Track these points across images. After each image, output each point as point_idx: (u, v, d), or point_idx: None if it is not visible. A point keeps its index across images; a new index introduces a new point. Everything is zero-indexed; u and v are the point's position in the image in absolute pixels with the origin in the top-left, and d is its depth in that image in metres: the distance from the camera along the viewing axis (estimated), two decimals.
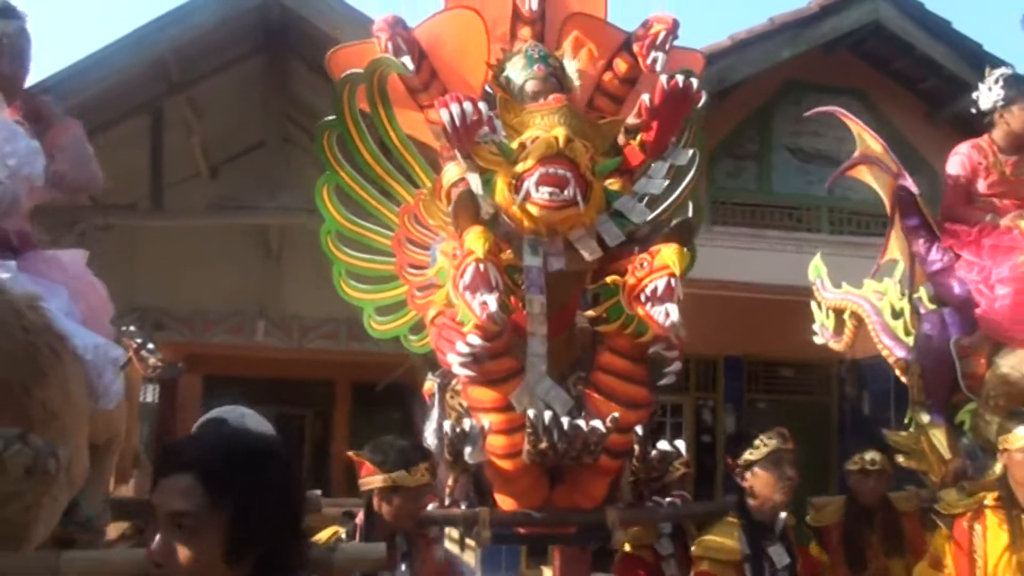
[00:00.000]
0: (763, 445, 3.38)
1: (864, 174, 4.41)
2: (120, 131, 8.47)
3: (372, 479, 3.20)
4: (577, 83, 3.55)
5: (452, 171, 3.31)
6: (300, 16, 7.95)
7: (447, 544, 8.34)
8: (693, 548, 3.39)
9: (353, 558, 2.22)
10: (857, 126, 4.37)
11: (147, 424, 10.34)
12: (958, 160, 4.30)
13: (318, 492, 3.26)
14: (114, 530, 5.36)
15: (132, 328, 9.68)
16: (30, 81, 3.32)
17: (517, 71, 3.46)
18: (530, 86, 3.40)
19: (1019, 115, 4.24)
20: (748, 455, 3.40)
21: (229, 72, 9.06)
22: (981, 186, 4.24)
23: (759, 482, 3.37)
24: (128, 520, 3.65)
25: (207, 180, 10.33)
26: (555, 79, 3.43)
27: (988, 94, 4.34)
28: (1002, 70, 4.41)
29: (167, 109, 8.77)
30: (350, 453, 3.41)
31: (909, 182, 4.19)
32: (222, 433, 1.60)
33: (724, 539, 3.32)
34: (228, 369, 12.29)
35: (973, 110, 4.42)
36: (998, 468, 3.48)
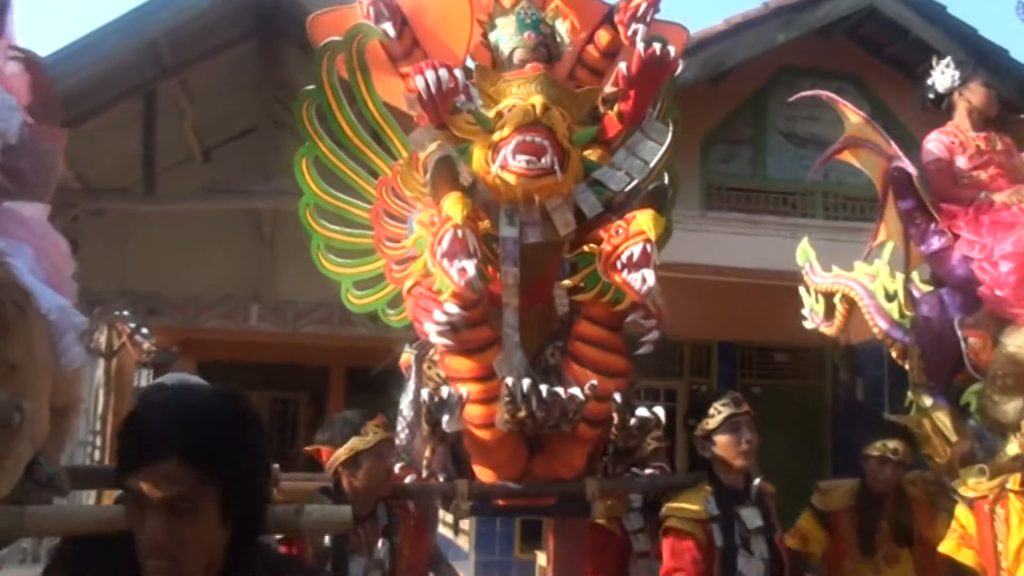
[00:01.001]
0: (718, 412, 3.38)
1: (852, 157, 4.39)
2: (112, 115, 8.43)
3: (333, 458, 3.22)
4: (568, 48, 3.51)
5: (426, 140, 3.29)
6: None
7: (441, 529, 8.36)
8: (662, 511, 3.40)
9: (320, 520, 2.21)
10: (845, 108, 4.34)
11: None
12: (932, 146, 4.27)
13: (275, 465, 3.26)
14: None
15: (126, 313, 9.72)
16: None
17: (508, 35, 3.41)
18: (518, 55, 3.35)
19: (978, 91, 4.25)
20: (705, 424, 3.40)
21: (221, 56, 9.02)
22: (962, 163, 4.20)
23: (720, 449, 3.37)
24: (90, 488, 3.62)
25: (200, 164, 10.29)
26: (544, 48, 3.39)
27: (942, 78, 4.34)
28: (946, 58, 4.42)
29: (159, 93, 8.74)
30: (306, 448, 3.41)
31: (905, 162, 4.13)
32: (190, 405, 1.52)
33: (691, 503, 3.33)
34: (222, 354, 12.28)
35: (930, 96, 4.40)
36: (1010, 449, 3.46)
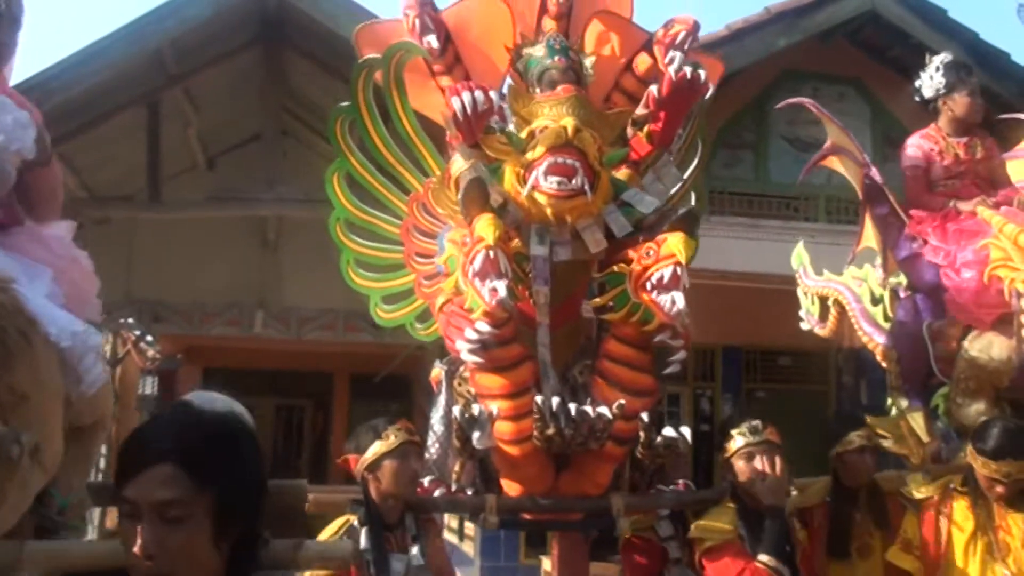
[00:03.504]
0: (733, 441, 3.42)
1: (836, 164, 4.45)
2: (117, 124, 8.48)
3: (359, 465, 3.28)
4: (591, 79, 3.56)
5: (460, 160, 3.32)
6: (296, 7, 7.95)
7: (445, 534, 8.38)
8: (691, 531, 3.42)
9: (318, 555, 2.19)
10: (825, 117, 4.40)
11: (147, 416, 10.36)
12: (911, 151, 4.38)
13: (303, 481, 3.29)
14: (111, 521, 5.37)
15: (131, 320, 9.75)
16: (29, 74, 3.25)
17: (537, 59, 3.44)
18: (548, 76, 3.37)
19: (961, 101, 4.32)
20: (725, 450, 3.44)
21: (226, 64, 9.06)
22: (938, 171, 4.30)
23: (739, 475, 3.40)
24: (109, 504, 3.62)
25: (204, 172, 10.34)
26: (573, 72, 3.43)
27: (930, 83, 4.42)
28: (941, 57, 4.47)
29: (164, 101, 8.78)
30: (339, 460, 3.46)
31: (874, 172, 4.24)
32: (190, 416, 1.55)
33: (719, 523, 3.34)
34: (227, 361, 12.33)
35: (917, 98, 4.46)
36: (970, 447, 3.55)
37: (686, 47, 3.42)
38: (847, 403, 10.00)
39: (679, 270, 2.95)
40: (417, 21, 3.48)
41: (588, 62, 3.55)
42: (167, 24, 7.85)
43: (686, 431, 3.28)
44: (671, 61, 3.35)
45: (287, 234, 10.05)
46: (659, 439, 3.20)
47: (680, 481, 3.63)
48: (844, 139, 4.33)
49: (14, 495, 2.10)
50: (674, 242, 2.98)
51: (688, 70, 3.22)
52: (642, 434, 3.19)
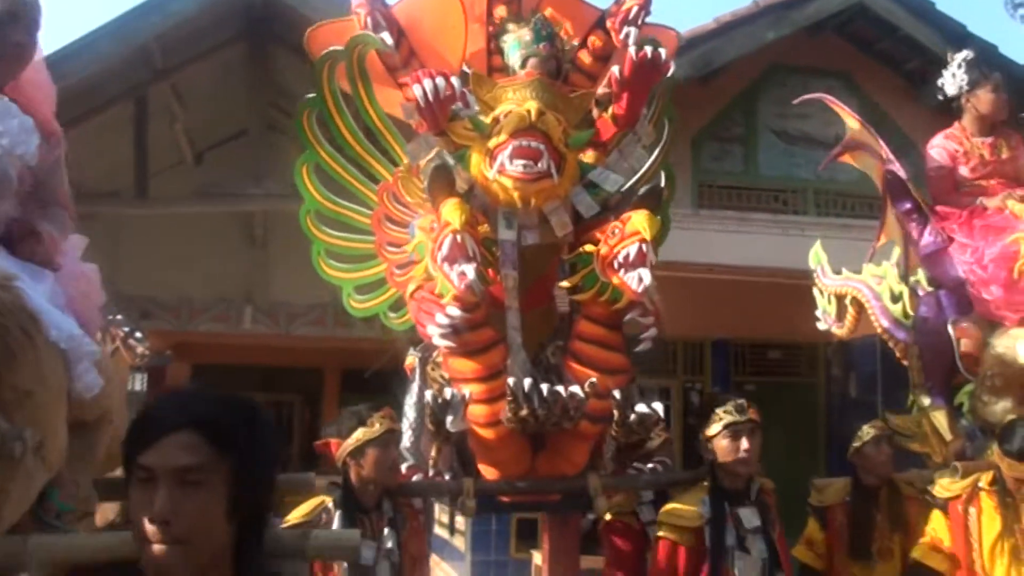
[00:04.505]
0: (718, 419, 3.42)
1: (852, 159, 4.42)
2: (103, 119, 8.42)
3: (341, 449, 3.33)
4: (569, 68, 3.58)
5: (422, 149, 3.34)
6: (283, 2, 7.91)
7: (437, 529, 8.38)
8: (659, 515, 3.44)
9: (327, 544, 2.18)
10: (846, 113, 4.37)
11: (135, 412, 10.31)
12: (936, 152, 4.31)
13: (312, 474, 3.33)
14: (100, 518, 5.34)
15: (119, 317, 9.70)
16: None
17: (524, 43, 3.45)
18: (532, 63, 3.40)
19: (985, 98, 4.25)
20: (708, 429, 3.44)
21: (212, 59, 9.02)
22: (964, 172, 4.24)
23: (719, 454, 3.40)
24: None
25: (191, 168, 10.29)
26: (555, 61, 3.44)
27: (952, 80, 4.35)
28: (963, 54, 4.40)
29: (151, 97, 8.73)
30: (316, 443, 3.48)
31: (897, 167, 4.18)
32: (208, 391, 1.56)
33: (686, 506, 3.37)
34: (216, 357, 12.26)
35: (940, 97, 4.42)
36: (996, 448, 3.52)
37: (639, 22, 3.44)
38: (836, 396, 10.03)
39: (644, 247, 2.97)
40: (369, 19, 3.51)
41: (570, 51, 3.56)
42: (153, 19, 7.79)
43: (658, 406, 3.31)
44: (626, 37, 3.37)
45: (275, 229, 9.99)
46: (632, 416, 3.22)
47: (657, 459, 3.66)
48: (864, 134, 4.29)
49: (17, 492, 2.10)
50: (638, 219, 3.01)
51: (649, 50, 3.25)
52: (616, 412, 3.21)
